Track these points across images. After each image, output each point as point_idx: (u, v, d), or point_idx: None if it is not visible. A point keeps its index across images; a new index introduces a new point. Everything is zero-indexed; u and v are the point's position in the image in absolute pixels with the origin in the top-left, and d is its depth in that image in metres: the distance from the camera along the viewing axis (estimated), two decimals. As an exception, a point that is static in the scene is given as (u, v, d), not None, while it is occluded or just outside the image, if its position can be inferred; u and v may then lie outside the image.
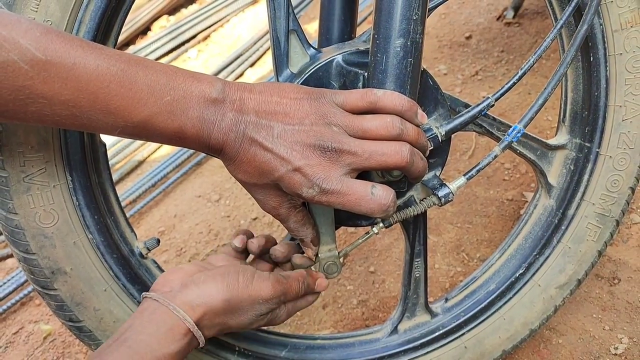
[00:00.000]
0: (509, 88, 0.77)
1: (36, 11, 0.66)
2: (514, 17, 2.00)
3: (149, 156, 1.95)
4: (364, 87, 0.74)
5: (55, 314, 0.80)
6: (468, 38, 2.05)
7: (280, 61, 0.78)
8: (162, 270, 0.86)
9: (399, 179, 0.75)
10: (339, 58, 0.75)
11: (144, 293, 0.72)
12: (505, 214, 1.41)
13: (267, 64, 2.29)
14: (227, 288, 0.71)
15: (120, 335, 0.65)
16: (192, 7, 2.70)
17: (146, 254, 0.84)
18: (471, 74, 1.87)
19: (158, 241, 0.85)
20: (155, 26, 2.66)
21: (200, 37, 2.47)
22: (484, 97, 1.73)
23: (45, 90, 0.56)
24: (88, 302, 0.79)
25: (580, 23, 0.76)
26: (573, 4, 0.77)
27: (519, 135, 0.77)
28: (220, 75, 2.19)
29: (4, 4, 0.65)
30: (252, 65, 2.26)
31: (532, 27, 1.96)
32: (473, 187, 1.51)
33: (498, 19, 2.05)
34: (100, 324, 0.80)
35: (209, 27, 2.51)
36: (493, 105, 0.78)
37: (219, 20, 2.54)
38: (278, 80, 0.79)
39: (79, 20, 0.69)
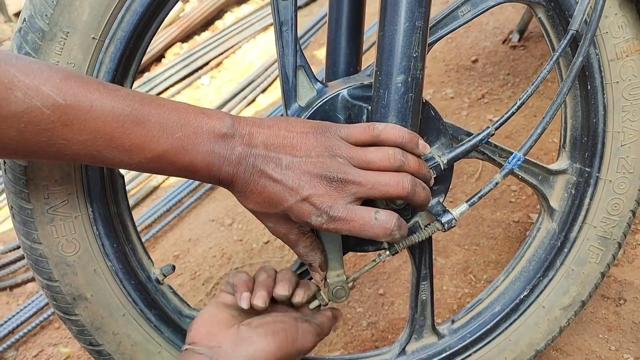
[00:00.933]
0: (509, 117, 0.81)
1: (60, 54, 0.71)
2: (519, 40, 2.03)
3: (163, 182, 2.00)
4: (367, 120, 0.78)
5: (76, 338, 0.84)
6: (474, 62, 2.09)
7: (289, 95, 0.82)
8: (177, 295, 0.90)
9: (403, 207, 0.78)
10: (344, 92, 0.79)
11: (186, 346, 0.75)
12: (512, 235, 1.43)
13: (278, 90, 2.34)
14: (278, 347, 0.74)
15: None
16: (205, 34, 2.77)
17: (162, 280, 0.87)
18: (477, 97, 1.91)
19: (174, 267, 0.88)
20: (169, 53, 2.73)
21: (212, 64, 2.53)
22: (490, 120, 1.77)
23: (65, 132, 0.60)
24: (107, 327, 0.82)
25: (576, 55, 0.79)
26: (568, 36, 0.80)
27: (519, 162, 0.80)
28: (233, 101, 2.24)
29: (31, 48, 0.70)
30: (263, 91, 2.32)
31: (537, 50, 1.99)
32: (480, 209, 1.53)
33: (504, 42, 2.09)
34: (119, 348, 0.84)
35: (222, 53, 2.58)
36: (493, 134, 0.81)
37: (231, 47, 2.60)
38: (287, 114, 0.83)
39: (100, 61, 0.74)
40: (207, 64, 2.54)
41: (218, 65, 2.54)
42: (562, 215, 0.95)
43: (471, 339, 0.98)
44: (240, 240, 1.63)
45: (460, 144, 0.82)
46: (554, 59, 0.80)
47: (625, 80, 0.87)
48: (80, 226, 0.78)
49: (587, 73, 0.87)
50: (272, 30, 2.71)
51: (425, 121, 0.81)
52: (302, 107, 0.82)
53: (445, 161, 0.80)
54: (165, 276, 0.87)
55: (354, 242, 0.86)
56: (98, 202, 0.79)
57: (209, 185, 1.87)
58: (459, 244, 1.45)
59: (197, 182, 1.87)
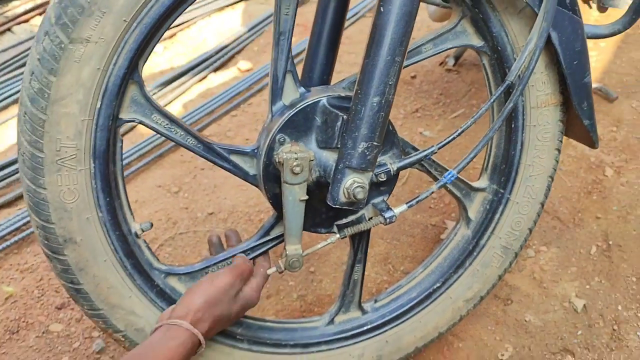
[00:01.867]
0: (450, 141, 1.00)
1: (94, 30, 0.82)
2: (454, 65, 2.27)
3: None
4: (342, 127, 0.94)
5: (58, 276, 0.95)
6: (413, 77, 2.30)
7: (276, 94, 0.98)
8: (149, 250, 1.02)
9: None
10: (325, 100, 0.96)
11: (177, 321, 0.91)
12: (428, 236, 1.65)
13: (229, 70, 2.45)
14: (202, 292, 0.93)
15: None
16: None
17: (140, 234, 1.00)
18: (412, 111, 2.12)
19: (151, 225, 1.01)
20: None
21: (166, 34, 2.59)
22: (420, 133, 1.98)
23: None
24: (89, 269, 0.94)
25: (508, 101, 0.99)
26: (505, 85, 1.00)
27: (452, 178, 1.00)
28: (185, 77, 2.32)
29: (69, 20, 0.80)
30: (215, 70, 2.42)
31: (468, 77, 2.23)
32: None
33: (440, 64, 2.32)
34: (96, 288, 0.96)
35: (177, 26, 2.65)
36: (436, 152, 1.00)
37: (186, 22, 2.68)
38: (272, 109, 0.98)
39: (125, 41, 0.85)
40: (161, 33, 2.60)
41: (172, 36, 2.61)
42: (476, 225, 1.17)
43: (389, 317, 1.17)
44: (186, 208, 1.75)
45: (408, 156, 1.01)
46: (492, 100, 1.00)
47: (540, 125, 1.09)
48: (82, 178, 0.89)
49: (513, 115, 1.08)
50: (227, 11, 2.81)
51: (385, 134, 0.98)
52: (286, 106, 0.98)
53: (395, 168, 0.99)
54: (143, 231, 1.00)
55: (310, 224, 1.03)
56: (100, 160, 0.90)
57: (158, 152, 1.96)
58: (382, 237, 1.64)
59: (146, 147, 1.95)
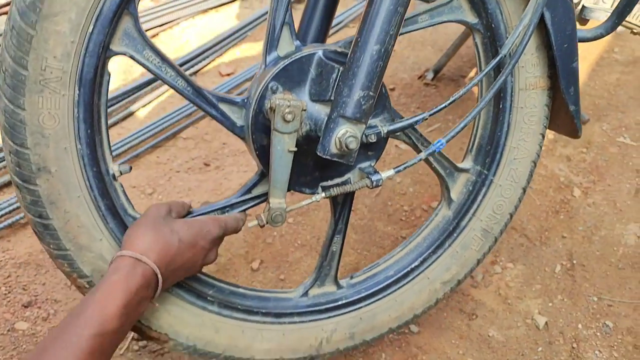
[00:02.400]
0: (440, 109, 1.00)
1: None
2: (433, 79, 2.30)
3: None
4: (337, 78, 0.93)
5: (26, 209, 0.90)
6: (392, 89, 2.32)
7: (272, 45, 0.96)
8: (125, 195, 0.98)
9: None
10: (321, 52, 0.95)
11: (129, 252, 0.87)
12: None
13: (210, 73, 2.43)
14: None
15: None
16: (147, 3, 2.81)
17: (118, 176, 0.96)
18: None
19: (130, 168, 0.97)
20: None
21: (149, 34, 2.57)
22: (396, 145, 1.99)
23: None
24: (61, 204, 0.89)
25: (500, 74, 1.00)
26: (498, 58, 1.01)
27: (441, 147, 0.99)
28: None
29: None
30: (196, 72, 2.40)
31: (446, 91, 2.27)
32: (375, 221, 1.72)
33: (419, 78, 2.35)
34: (65, 225, 0.90)
35: (159, 26, 2.62)
36: (427, 119, 1.00)
37: (170, 22, 2.66)
38: (265, 60, 0.96)
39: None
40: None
41: (154, 37, 2.58)
42: (458, 206, 1.16)
43: (365, 294, 1.15)
44: None
45: (399, 120, 1.00)
46: (484, 72, 1.01)
47: (527, 107, 1.10)
48: (64, 104, 0.85)
49: (501, 95, 1.09)
50: (211, 13, 2.80)
51: (378, 96, 0.98)
52: (281, 57, 0.96)
53: (385, 131, 0.98)
54: (121, 173, 0.96)
55: (295, 183, 1.00)
56: (86, 88, 0.87)
57: (134, 153, 1.91)
58: (353, 247, 1.63)
59: (123, 147, 1.91)
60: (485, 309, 1.45)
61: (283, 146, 0.92)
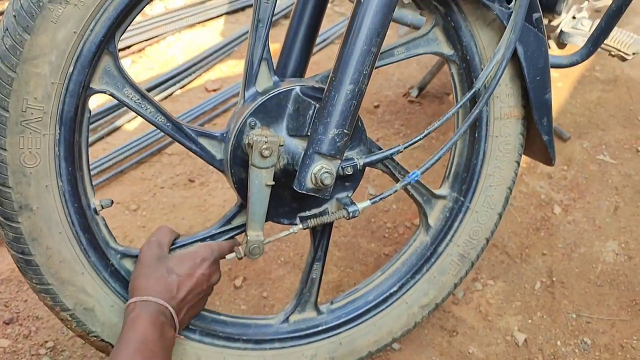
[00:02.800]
0: (416, 142, 1.02)
1: (77, -6, 0.82)
2: (417, 96, 2.33)
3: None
4: (313, 115, 0.96)
5: (9, 245, 0.91)
6: (376, 107, 2.35)
7: (250, 80, 0.98)
8: (107, 228, 1.00)
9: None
10: (298, 89, 0.97)
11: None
12: (381, 265, 1.64)
13: (196, 89, 2.44)
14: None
15: None
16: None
17: (99, 210, 0.97)
18: (373, 140, 2.15)
19: (112, 202, 0.99)
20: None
21: (135, 48, 2.58)
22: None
23: None
24: (43, 240, 0.91)
25: (475, 107, 1.03)
26: (472, 91, 1.04)
27: (416, 178, 1.01)
28: (150, 93, 2.30)
29: (51, -21, 0.80)
30: (182, 88, 2.41)
31: (430, 109, 2.30)
32: (359, 238, 1.75)
33: (404, 95, 2.38)
34: (48, 261, 0.92)
35: (146, 40, 2.64)
36: (402, 151, 1.02)
37: (156, 36, 2.67)
38: (244, 95, 0.99)
39: (105, 7, 0.85)
40: (129, 47, 2.59)
41: (140, 50, 2.60)
42: (435, 232, 1.19)
43: (344, 319, 1.17)
44: (144, 227, 1.71)
45: (375, 153, 1.03)
46: (459, 105, 1.04)
47: (502, 136, 1.13)
48: (45, 144, 0.87)
49: (477, 124, 1.12)
50: (198, 28, 2.82)
51: (354, 129, 1.00)
52: (259, 92, 0.98)
53: (362, 163, 1.00)
54: (102, 208, 0.97)
55: (273, 214, 1.02)
56: (66, 127, 0.89)
57: (119, 168, 1.92)
58: (336, 264, 1.65)
59: (107, 162, 1.92)
60: (466, 325, 1.47)
61: (261, 180, 0.94)
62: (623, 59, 1.59)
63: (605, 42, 1.46)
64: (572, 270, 1.62)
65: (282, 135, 0.97)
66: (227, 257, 1.01)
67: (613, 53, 1.59)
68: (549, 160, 1.17)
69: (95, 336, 0.99)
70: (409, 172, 1.09)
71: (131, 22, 0.92)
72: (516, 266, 1.65)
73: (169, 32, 2.73)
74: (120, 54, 2.51)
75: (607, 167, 1.98)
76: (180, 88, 2.42)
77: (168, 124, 0.97)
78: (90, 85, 0.90)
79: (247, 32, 2.73)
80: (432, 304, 1.20)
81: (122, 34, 0.92)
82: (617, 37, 1.52)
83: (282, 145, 0.93)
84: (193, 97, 2.40)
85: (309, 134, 0.96)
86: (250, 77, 0.98)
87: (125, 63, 2.53)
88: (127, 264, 1.01)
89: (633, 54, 1.54)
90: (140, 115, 0.95)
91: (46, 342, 1.34)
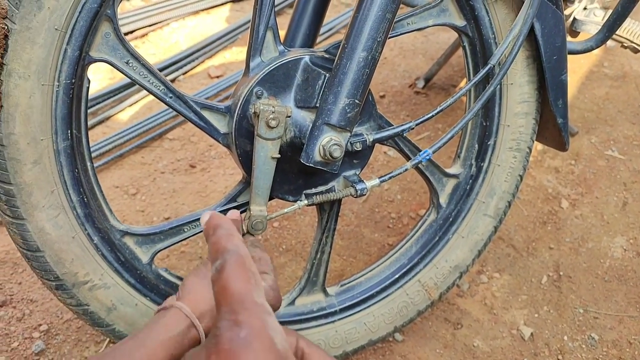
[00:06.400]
0: (427, 119, 0.98)
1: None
2: (423, 87, 2.29)
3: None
4: (323, 85, 0.92)
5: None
6: (382, 97, 2.31)
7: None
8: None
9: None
10: (307, 58, 0.93)
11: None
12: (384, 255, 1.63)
13: (199, 75, 2.41)
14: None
15: None
16: (137, 2, 2.78)
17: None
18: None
19: None
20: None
21: (138, 33, 2.54)
22: (384, 152, 1.98)
23: None
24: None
25: (488, 85, 0.99)
26: (487, 68, 1.00)
27: (427, 157, 0.97)
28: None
29: None
30: (185, 74, 2.38)
31: (436, 100, 2.26)
32: (362, 227, 1.71)
33: (410, 86, 2.34)
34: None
35: (149, 26, 2.60)
36: (413, 128, 0.98)
37: (160, 22, 2.64)
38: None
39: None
40: (132, 32, 2.55)
41: (143, 36, 2.56)
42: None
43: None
44: (142, 211, 1.68)
45: (385, 129, 0.99)
46: (473, 82, 1.00)
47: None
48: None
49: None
50: (202, 15, 2.78)
51: (365, 104, 0.96)
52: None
53: (371, 139, 0.96)
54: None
55: (277, 189, 0.98)
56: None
57: (118, 152, 1.89)
58: (339, 253, 1.61)
59: (106, 146, 1.88)
60: (471, 318, 1.44)
61: (266, 153, 0.90)
62: (636, 51, 1.55)
63: (617, 33, 1.43)
64: (580, 265, 1.59)
65: (290, 107, 0.93)
66: None
67: (626, 44, 1.56)
68: (562, 144, 1.13)
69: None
70: (420, 150, 1.05)
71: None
72: (522, 259, 1.61)
73: (172, 18, 2.70)
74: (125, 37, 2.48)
75: (615, 162, 1.94)
76: (184, 74, 2.39)
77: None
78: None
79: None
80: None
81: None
82: (630, 28, 1.49)
83: (289, 117, 0.89)
84: (196, 83, 2.37)
85: (317, 105, 0.92)
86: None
87: (128, 48, 2.49)
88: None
89: (646, 45, 1.50)
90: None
91: (40, 325, 1.30)
